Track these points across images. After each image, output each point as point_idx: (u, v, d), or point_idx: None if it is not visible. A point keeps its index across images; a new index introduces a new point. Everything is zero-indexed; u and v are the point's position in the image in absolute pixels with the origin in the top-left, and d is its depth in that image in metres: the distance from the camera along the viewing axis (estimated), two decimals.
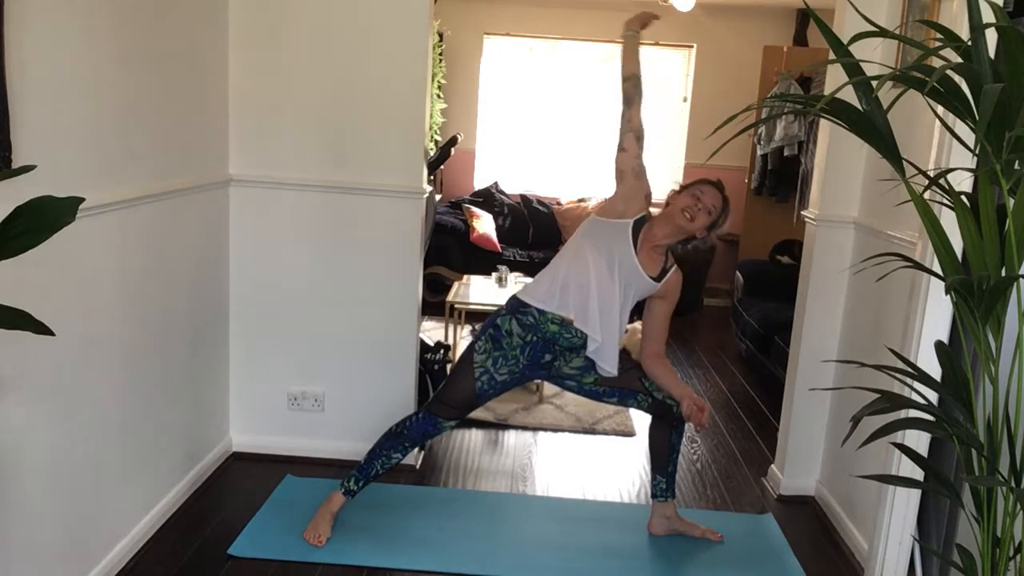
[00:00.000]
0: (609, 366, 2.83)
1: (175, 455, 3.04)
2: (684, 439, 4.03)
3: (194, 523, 2.98)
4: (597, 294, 2.76)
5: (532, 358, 2.82)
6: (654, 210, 2.90)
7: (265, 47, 3.28)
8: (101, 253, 2.42)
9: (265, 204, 3.38)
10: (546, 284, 2.81)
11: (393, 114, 3.32)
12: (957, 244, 1.91)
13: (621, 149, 2.84)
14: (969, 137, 1.97)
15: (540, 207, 7.05)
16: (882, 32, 1.79)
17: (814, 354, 3.36)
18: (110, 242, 2.47)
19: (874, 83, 1.72)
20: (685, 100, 7.40)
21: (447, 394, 2.88)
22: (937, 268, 1.91)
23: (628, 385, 2.89)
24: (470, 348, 2.86)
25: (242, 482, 3.33)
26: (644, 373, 2.92)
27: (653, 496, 3.07)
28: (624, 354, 2.95)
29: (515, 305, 2.83)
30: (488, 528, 3.09)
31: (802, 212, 3.57)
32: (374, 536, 2.95)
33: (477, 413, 3.77)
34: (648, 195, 2.86)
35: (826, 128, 3.36)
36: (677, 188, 2.92)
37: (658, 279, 2.85)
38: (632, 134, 2.81)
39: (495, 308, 3.00)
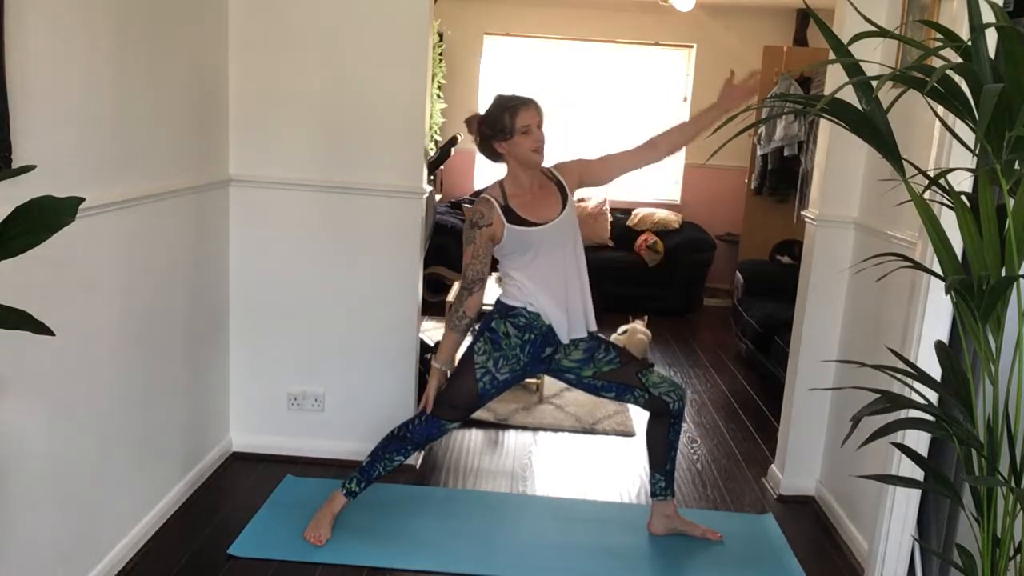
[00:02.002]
0: (585, 331, 2.85)
1: (175, 455, 3.04)
2: (684, 438, 4.04)
3: (194, 523, 2.98)
4: (551, 295, 2.77)
5: (533, 355, 2.82)
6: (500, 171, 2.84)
7: (265, 47, 3.28)
8: (101, 253, 2.42)
9: (265, 204, 3.38)
10: (519, 287, 2.80)
11: (393, 114, 3.31)
12: (957, 244, 1.91)
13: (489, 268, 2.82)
14: (969, 137, 1.97)
15: None
16: (882, 32, 1.79)
17: (814, 354, 3.36)
18: (110, 242, 2.47)
19: (874, 83, 1.72)
20: (685, 100, 7.40)
21: (449, 396, 2.87)
22: (937, 268, 1.91)
23: (626, 380, 2.89)
24: (470, 350, 2.85)
25: (242, 482, 3.33)
26: (642, 368, 2.91)
27: (652, 495, 3.07)
28: (624, 352, 2.95)
29: (504, 309, 2.82)
30: (488, 528, 3.09)
31: (802, 212, 3.57)
32: (374, 536, 2.95)
33: (477, 413, 3.77)
34: (487, 223, 2.73)
35: (826, 128, 3.36)
36: (479, 137, 2.78)
37: (565, 198, 2.82)
38: (481, 292, 2.81)
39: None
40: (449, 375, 2.94)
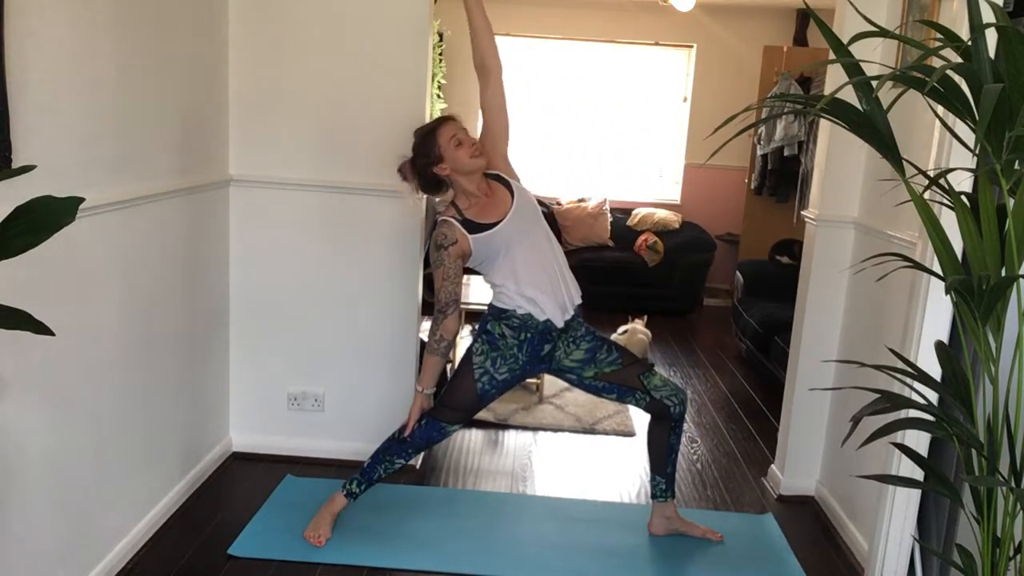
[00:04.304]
0: (574, 307, 2.85)
1: (175, 455, 3.04)
2: (684, 438, 4.04)
3: (194, 523, 2.98)
4: (535, 287, 2.76)
5: (531, 353, 2.82)
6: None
7: (265, 47, 3.28)
8: (101, 253, 2.42)
9: (265, 204, 3.38)
10: (504, 291, 2.79)
11: (393, 114, 3.31)
12: (957, 244, 1.91)
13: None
14: (969, 137, 1.97)
15: (540, 207, 7.05)
16: (882, 32, 1.79)
17: (814, 354, 3.36)
18: (110, 242, 2.47)
19: (874, 83, 1.72)
20: (685, 100, 7.40)
21: (449, 398, 2.87)
22: (937, 268, 1.91)
23: (627, 382, 2.89)
24: (468, 351, 2.85)
25: (242, 482, 3.33)
26: (644, 370, 2.91)
27: (653, 496, 3.07)
28: (627, 353, 2.95)
29: (496, 312, 2.82)
30: (488, 528, 3.09)
31: (802, 212, 3.57)
32: (374, 536, 2.95)
33: (477, 413, 3.78)
34: (455, 243, 2.74)
35: (826, 128, 3.36)
36: (417, 175, 2.80)
37: (510, 187, 2.82)
38: (457, 305, 2.79)
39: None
40: (447, 378, 2.95)
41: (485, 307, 2.91)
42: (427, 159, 2.76)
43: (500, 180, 2.85)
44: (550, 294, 2.77)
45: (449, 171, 2.75)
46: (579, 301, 2.88)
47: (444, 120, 2.79)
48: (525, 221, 2.80)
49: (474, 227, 2.74)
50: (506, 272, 2.77)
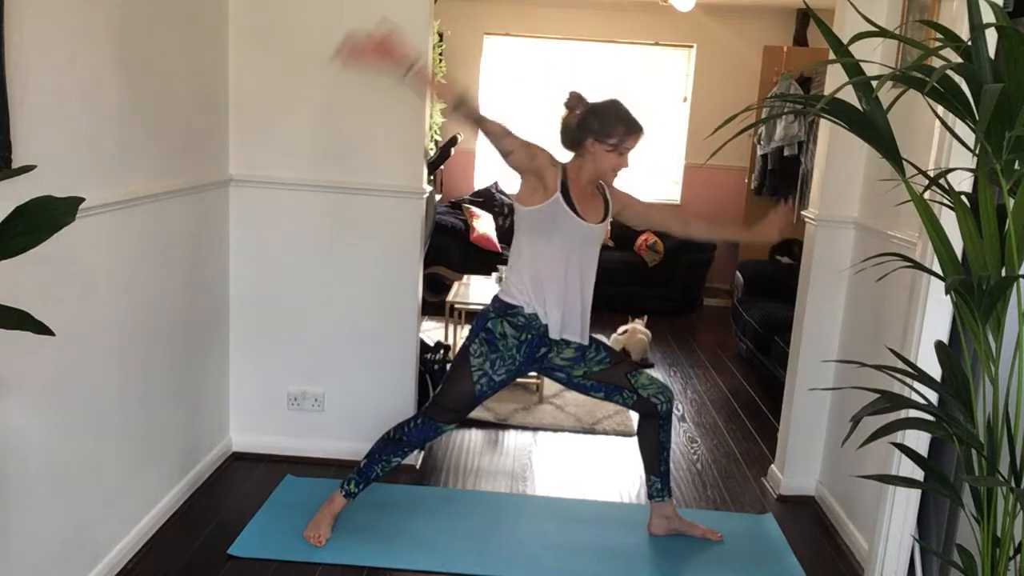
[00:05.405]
0: (580, 338, 2.85)
1: (175, 455, 3.04)
2: (684, 438, 4.04)
3: (194, 523, 2.98)
4: (553, 288, 2.75)
5: (528, 354, 2.82)
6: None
7: (265, 47, 3.28)
8: (101, 253, 2.42)
9: (265, 204, 3.38)
10: (519, 283, 2.78)
11: (393, 114, 3.32)
12: (957, 244, 1.91)
13: (507, 154, 2.72)
14: (969, 137, 1.97)
15: None
16: (882, 32, 1.79)
17: (814, 354, 3.36)
18: (110, 242, 2.47)
19: (874, 83, 1.72)
20: (685, 100, 7.40)
21: (445, 398, 2.87)
22: (937, 268, 1.91)
23: (615, 381, 2.89)
24: (464, 351, 2.83)
25: (242, 482, 3.33)
26: (632, 369, 2.91)
27: (650, 497, 3.07)
28: (615, 352, 2.95)
29: (502, 308, 2.80)
30: (488, 528, 3.09)
31: (802, 212, 3.57)
32: (374, 536, 2.95)
33: (477, 413, 3.78)
34: (549, 158, 2.74)
35: (826, 128, 3.36)
36: (578, 122, 2.76)
37: (605, 217, 2.84)
38: (501, 138, 2.70)
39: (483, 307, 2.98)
40: (444, 372, 2.94)
41: (483, 307, 2.90)
42: (599, 127, 2.72)
43: (605, 203, 2.87)
44: (558, 304, 2.77)
45: (591, 152, 2.74)
46: (584, 342, 2.87)
47: (642, 132, 2.77)
48: (589, 241, 2.81)
49: (566, 195, 2.74)
50: (537, 257, 2.75)
